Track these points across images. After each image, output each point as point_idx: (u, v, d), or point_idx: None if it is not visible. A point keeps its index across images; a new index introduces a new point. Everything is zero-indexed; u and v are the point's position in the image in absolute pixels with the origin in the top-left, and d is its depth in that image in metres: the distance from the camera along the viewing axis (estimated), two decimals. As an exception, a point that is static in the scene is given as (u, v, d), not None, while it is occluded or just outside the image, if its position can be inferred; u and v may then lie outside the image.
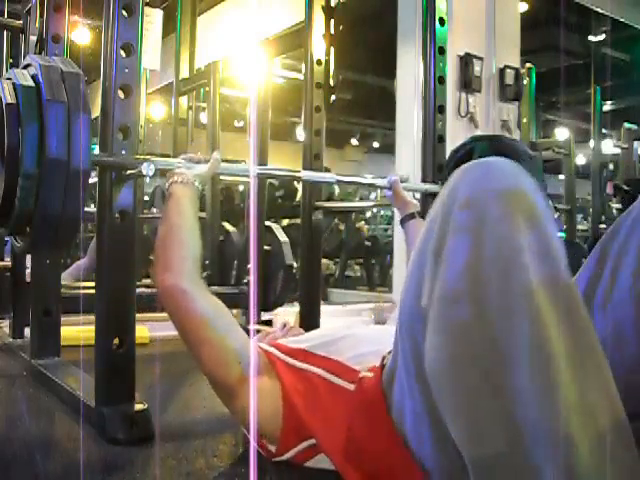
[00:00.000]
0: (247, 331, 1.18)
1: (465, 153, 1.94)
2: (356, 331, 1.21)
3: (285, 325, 1.33)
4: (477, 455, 0.64)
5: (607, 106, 7.38)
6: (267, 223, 2.55)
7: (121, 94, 1.31)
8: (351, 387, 1.00)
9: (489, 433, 0.62)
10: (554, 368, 0.61)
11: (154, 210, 4.27)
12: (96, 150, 1.32)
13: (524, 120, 4.15)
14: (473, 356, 0.64)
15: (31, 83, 1.16)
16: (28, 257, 2.10)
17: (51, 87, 1.14)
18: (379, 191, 8.07)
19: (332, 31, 2.32)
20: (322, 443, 1.00)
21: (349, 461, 0.96)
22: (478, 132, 3.59)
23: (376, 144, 12.78)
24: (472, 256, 0.65)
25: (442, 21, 1.94)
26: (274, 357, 1.11)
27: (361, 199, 8.52)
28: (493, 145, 1.88)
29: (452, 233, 0.68)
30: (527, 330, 0.62)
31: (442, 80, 1.94)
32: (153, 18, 3.60)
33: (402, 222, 1.64)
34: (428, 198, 1.82)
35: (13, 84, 1.16)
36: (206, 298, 1.10)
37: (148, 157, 1.32)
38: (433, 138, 1.93)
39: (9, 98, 1.14)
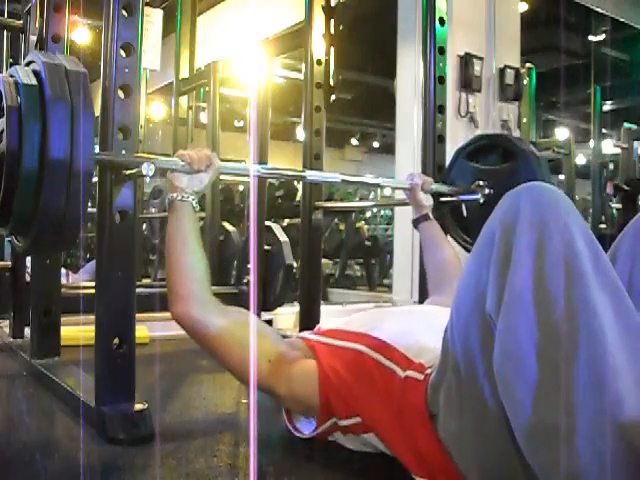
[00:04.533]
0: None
1: (471, 151, 1.94)
2: (399, 312, 1.28)
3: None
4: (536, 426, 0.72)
5: (607, 106, 7.39)
6: (267, 223, 2.55)
7: (121, 94, 1.31)
8: (395, 367, 1.03)
9: (550, 418, 0.70)
10: (610, 362, 0.68)
11: (153, 210, 4.27)
12: (96, 150, 1.32)
13: (524, 120, 4.16)
14: (541, 350, 0.72)
15: (34, 81, 1.15)
16: (28, 257, 2.10)
17: (54, 84, 1.14)
18: (379, 191, 8.07)
19: (332, 31, 2.32)
20: (368, 420, 1.05)
21: (398, 437, 1.00)
22: (478, 132, 3.59)
23: (376, 144, 12.79)
24: (539, 266, 0.75)
25: (442, 21, 1.94)
26: (313, 342, 1.18)
27: (361, 199, 8.51)
28: (499, 144, 1.87)
29: (521, 247, 0.76)
30: (586, 328, 0.70)
31: (442, 80, 1.94)
32: (153, 18, 3.60)
33: (415, 222, 1.71)
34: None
35: (15, 82, 1.15)
36: (219, 317, 1.16)
37: (148, 156, 1.32)
38: (433, 138, 1.93)
39: (10, 96, 1.13)
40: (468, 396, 0.85)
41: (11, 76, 1.18)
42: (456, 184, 1.91)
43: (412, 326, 1.13)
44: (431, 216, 1.70)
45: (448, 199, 1.84)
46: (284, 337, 1.30)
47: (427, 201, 1.72)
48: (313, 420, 1.15)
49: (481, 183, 1.84)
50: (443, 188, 1.83)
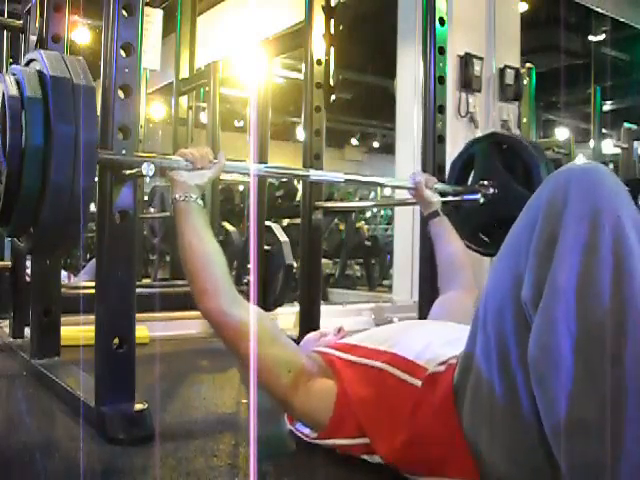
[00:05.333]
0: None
1: (469, 156, 1.94)
2: (418, 326, 1.25)
3: (340, 330, 1.34)
4: (570, 419, 0.70)
5: (607, 106, 7.39)
6: (267, 223, 2.56)
7: (121, 94, 1.31)
8: (418, 383, 1.01)
9: (585, 417, 0.68)
10: None
11: (152, 210, 4.28)
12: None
13: (524, 120, 4.15)
14: (580, 348, 0.70)
15: (35, 77, 1.15)
16: (28, 257, 2.10)
17: (56, 77, 1.14)
18: (379, 191, 8.06)
19: (332, 31, 2.32)
20: (376, 445, 1.04)
21: (404, 457, 0.99)
22: (478, 132, 3.59)
23: (376, 144, 12.79)
24: (586, 262, 0.71)
25: (442, 21, 1.94)
26: (332, 356, 1.16)
27: (361, 199, 8.51)
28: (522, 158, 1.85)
29: (567, 239, 0.73)
30: (635, 331, 0.68)
31: (442, 80, 1.94)
32: (153, 18, 3.60)
33: (426, 219, 1.72)
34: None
35: (17, 80, 1.15)
36: (248, 313, 1.12)
37: (150, 154, 1.32)
38: (433, 138, 1.93)
39: (12, 92, 1.13)
40: (498, 382, 0.83)
41: (13, 75, 1.18)
42: (459, 183, 1.91)
43: (432, 341, 1.10)
44: (440, 212, 1.70)
45: (450, 199, 1.83)
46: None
47: (434, 197, 1.72)
48: (315, 431, 1.14)
49: (485, 183, 1.83)
50: (446, 187, 1.83)
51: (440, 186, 1.78)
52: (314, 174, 1.85)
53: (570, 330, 0.70)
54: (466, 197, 1.85)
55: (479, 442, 0.89)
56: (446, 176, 1.96)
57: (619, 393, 0.67)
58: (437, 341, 1.09)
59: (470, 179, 1.94)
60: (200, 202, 1.25)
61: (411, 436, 0.98)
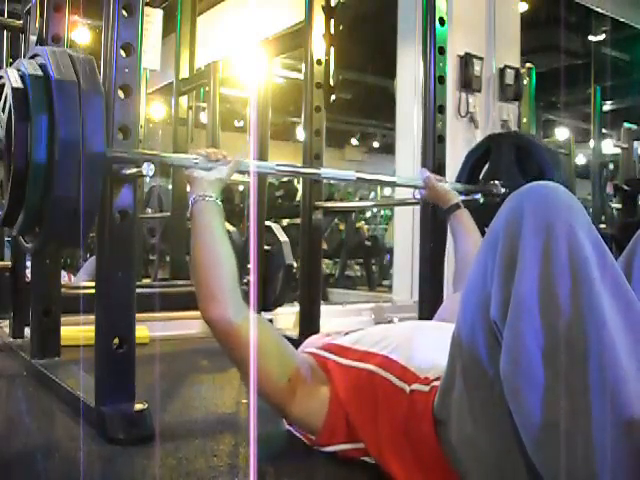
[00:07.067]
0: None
1: (483, 152, 1.94)
2: (414, 330, 1.23)
3: (347, 334, 1.32)
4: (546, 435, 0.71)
5: (607, 106, 7.38)
6: (267, 223, 2.56)
7: (121, 94, 1.31)
8: (407, 388, 1.01)
9: (560, 424, 0.69)
10: (620, 369, 0.68)
11: (149, 210, 4.28)
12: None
13: (524, 120, 4.15)
14: (548, 357, 0.71)
15: (39, 72, 1.15)
16: (28, 257, 2.10)
17: (60, 72, 1.13)
18: (379, 191, 8.06)
19: (332, 31, 2.32)
20: (373, 447, 1.04)
21: (398, 462, 0.99)
22: (478, 132, 3.59)
23: (376, 144, 12.79)
24: (545, 273, 0.73)
25: (442, 21, 1.94)
26: (325, 359, 1.16)
27: (361, 199, 8.52)
28: (513, 143, 1.86)
29: (526, 253, 0.75)
30: (596, 335, 0.69)
31: (442, 80, 1.94)
32: (153, 18, 3.60)
33: (447, 213, 1.68)
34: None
35: (21, 74, 1.15)
36: (251, 323, 1.11)
37: (151, 153, 1.32)
38: (433, 138, 1.93)
39: (17, 93, 1.13)
40: (479, 399, 0.84)
41: (17, 70, 1.17)
42: (470, 181, 1.91)
43: (425, 345, 1.10)
44: (461, 205, 1.66)
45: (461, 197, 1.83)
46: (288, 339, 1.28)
47: (449, 189, 1.70)
48: (312, 436, 1.14)
49: (497, 182, 1.83)
50: (455, 186, 1.83)
51: (448, 185, 1.78)
52: (324, 172, 1.84)
53: (537, 340, 0.72)
54: (475, 196, 1.84)
55: (463, 458, 0.89)
56: (446, 175, 1.96)
57: (585, 396, 0.69)
58: (431, 347, 1.09)
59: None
60: (219, 203, 1.24)
61: (396, 439, 0.99)
